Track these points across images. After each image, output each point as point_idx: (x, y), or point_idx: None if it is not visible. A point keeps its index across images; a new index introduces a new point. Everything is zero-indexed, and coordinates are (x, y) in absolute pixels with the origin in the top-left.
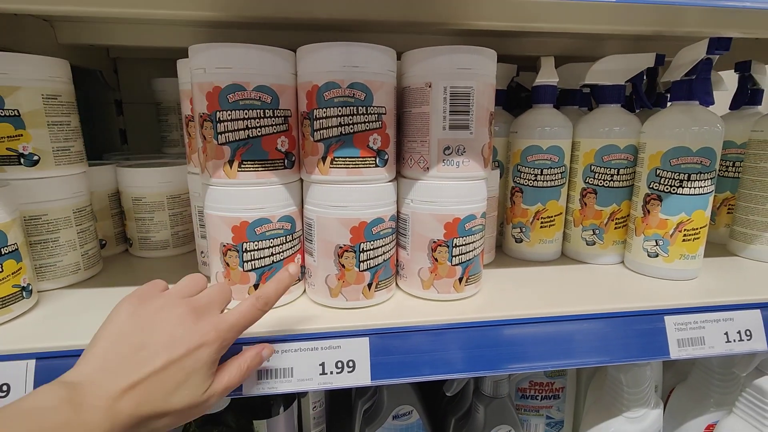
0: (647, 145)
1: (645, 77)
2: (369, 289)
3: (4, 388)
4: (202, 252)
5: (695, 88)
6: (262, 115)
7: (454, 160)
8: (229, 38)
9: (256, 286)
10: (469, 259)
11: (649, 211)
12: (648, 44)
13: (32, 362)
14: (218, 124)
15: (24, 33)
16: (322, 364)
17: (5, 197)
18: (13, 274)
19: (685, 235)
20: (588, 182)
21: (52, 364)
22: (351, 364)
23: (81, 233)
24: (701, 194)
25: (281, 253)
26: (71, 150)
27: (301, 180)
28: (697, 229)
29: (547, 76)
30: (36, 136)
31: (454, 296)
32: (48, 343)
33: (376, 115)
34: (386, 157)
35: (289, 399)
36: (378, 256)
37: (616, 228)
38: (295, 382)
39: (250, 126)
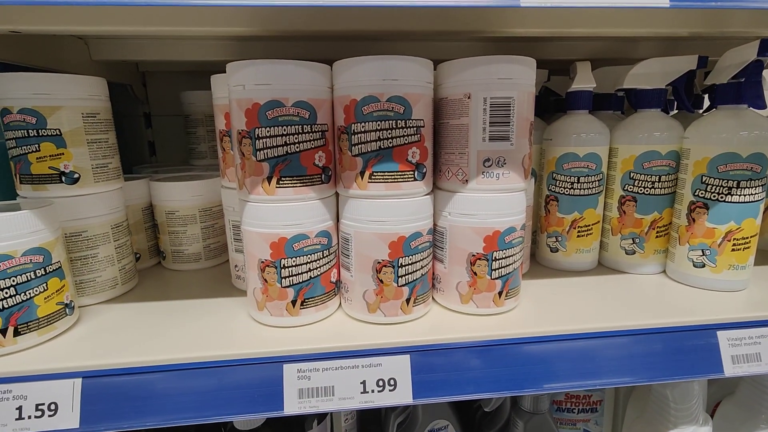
0: (692, 151)
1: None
2: (407, 304)
3: (52, 407)
4: (236, 266)
5: (745, 91)
6: (301, 131)
7: (494, 172)
8: (258, 50)
9: (293, 303)
10: (509, 273)
11: (694, 220)
12: (684, 45)
13: (79, 381)
14: (257, 141)
15: (61, 51)
16: (363, 383)
17: (49, 216)
18: (57, 291)
19: (734, 245)
20: (627, 189)
21: (99, 383)
22: (392, 382)
23: (118, 248)
24: (752, 202)
25: (319, 269)
26: (109, 167)
27: (337, 194)
28: (747, 238)
29: (584, 81)
30: (76, 155)
31: (494, 310)
32: (94, 361)
33: (415, 128)
34: (424, 170)
35: (323, 413)
36: (416, 271)
37: (657, 237)
38: (337, 401)
39: (288, 142)
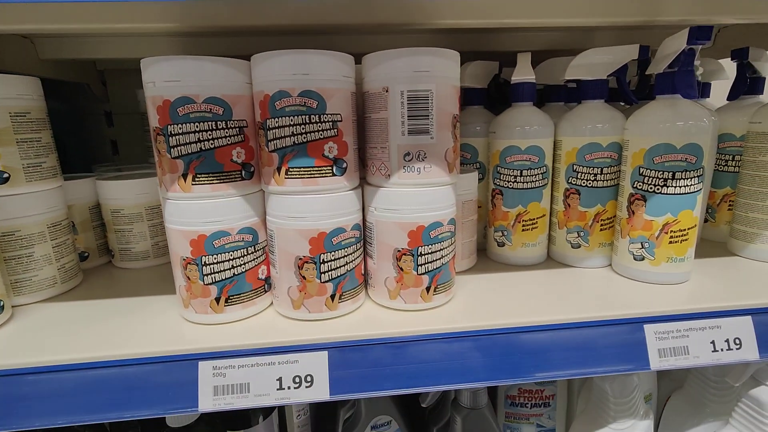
0: (630, 143)
1: (638, 70)
2: (332, 301)
3: None
4: None
5: (678, 81)
6: (215, 127)
7: (415, 166)
8: (205, 47)
9: (217, 300)
10: (437, 268)
11: (633, 212)
12: (638, 35)
13: None
14: (170, 138)
15: (4, 50)
16: (279, 379)
17: None
18: None
19: (671, 237)
20: (571, 182)
21: (19, 380)
22: (309, 378)
23: (57, 247)
24: (687, 193)
25: (243, 265)
26: (43, 166)
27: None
28: (684, 230)
29: (524, 73)
30: (5, 154)
31: (422, 306)
32: (14, 360)
33: (331, 123)
34: (344, 165)
35: (268, 408)
36: (340, 267)
37: (602, 230)
38: (252, 397)
39: (201, 139)
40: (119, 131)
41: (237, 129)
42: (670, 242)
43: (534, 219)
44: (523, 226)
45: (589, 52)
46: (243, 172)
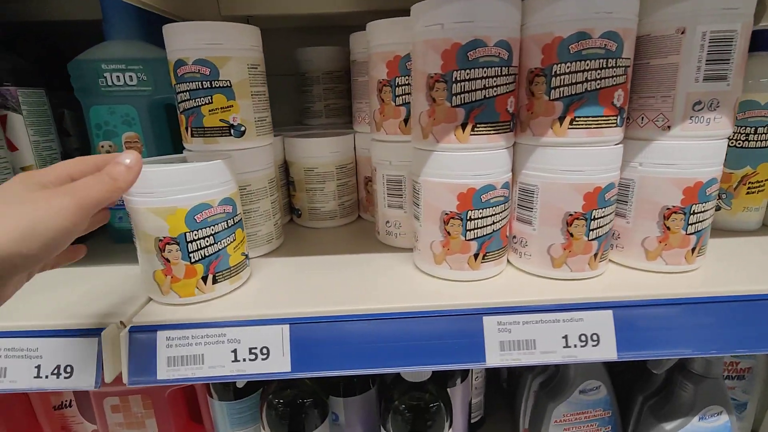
0: None
1: None
2: (595, 259)
3: (264, 351)
4: (387, 221)
5: None
6: (499, 73)
7: (704, 116)
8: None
9: (476, 256)
10: (704, 228)
11: None
12: None
13: (287, 327)
14: (454, 84)
15: (194, 3)
16: (565, 337)
17: (231, 168)
18: (241, 242)
19: None
20: None
21: (303, 329)
22: (595, 337)
23: (273, 203)
24: None
25: (500, 222)
26: (266, 120)
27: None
28: None
29: None
30: (243, 107)
31: (683, 268)
32: (297, 309)
33: (624, 68)
34: (625, 115)
35: (465, 371)
36: (606, 225)
37: None
38: (539, 354)
39: (487, 85)
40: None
41: (513, 76)
42: None
43: (762, 181)
44: (749, 188)
45: None
46: (511, 124)
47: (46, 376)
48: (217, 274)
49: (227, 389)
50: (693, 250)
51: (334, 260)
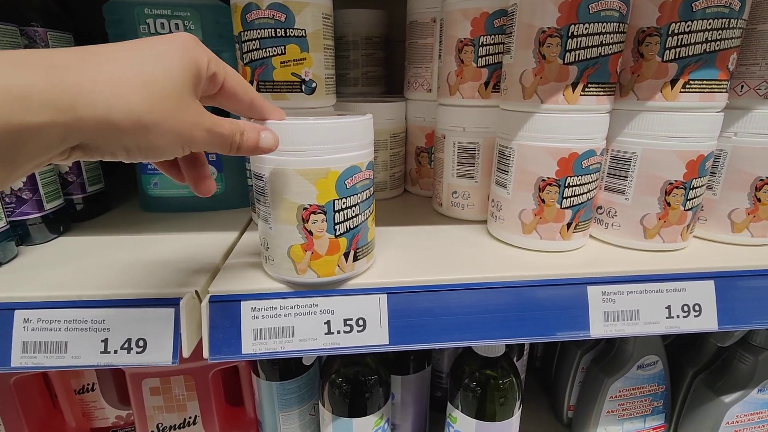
0: None
1: None
2: (687, 230)
3: (360, 322)
4: (454, 192)
5: None
6: (616, 30)
7: None
8: None
9: (568, 225)
10: None
11: None
12: None
13: (384, 297)
14: (569, 40)
15: None
16: (668, 308)
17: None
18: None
19: None
20: None
21: (404, 298)
22: (697, 308)
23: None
24: None
25: (594, 190)
26: (332, 79)
27: None
28: None
29: None
30: (315, 61)
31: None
32: (396, 279)
33: (741, 30)
34: (731, 80)
35: (522, 346)
36: (701, 195)
37: None
38: (642, 325)
39: (604, 42)
40: None
41: (624, 35)
42: None
43: None
44: None
45: None
46: (617, 85)
47: (115, 351)
48: (358, 250)
49: (275, 369)
50: None
51: (406, 231)
